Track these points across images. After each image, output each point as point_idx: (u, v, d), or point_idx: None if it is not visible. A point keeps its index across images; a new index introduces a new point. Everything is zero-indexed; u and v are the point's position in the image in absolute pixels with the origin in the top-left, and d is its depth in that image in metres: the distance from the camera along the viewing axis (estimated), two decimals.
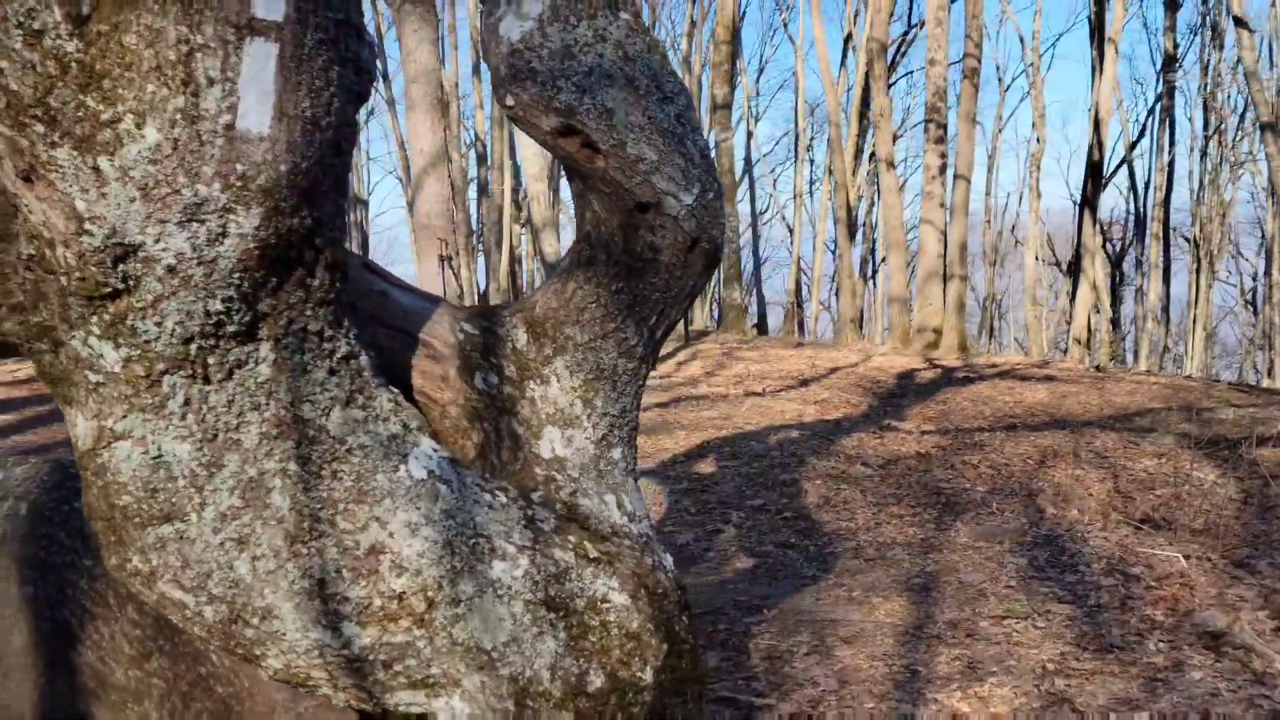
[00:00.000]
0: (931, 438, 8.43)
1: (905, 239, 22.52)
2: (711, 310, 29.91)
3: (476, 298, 30.15)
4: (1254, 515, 5.74)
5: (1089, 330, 24.47)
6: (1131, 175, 35.16)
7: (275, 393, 2.45)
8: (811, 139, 41.24)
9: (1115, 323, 34.38)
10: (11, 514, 3.65)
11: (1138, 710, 3.56)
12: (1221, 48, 34.25)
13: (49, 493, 3.38)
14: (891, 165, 19.74)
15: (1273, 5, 33.98)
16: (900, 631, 4.45)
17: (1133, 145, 35.50)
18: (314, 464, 2.49)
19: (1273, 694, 3.65)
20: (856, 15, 32.37)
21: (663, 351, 15.43)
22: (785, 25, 47.25)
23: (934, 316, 17.19)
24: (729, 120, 20.24)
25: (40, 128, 2.13)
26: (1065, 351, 26.52)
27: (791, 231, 38.34)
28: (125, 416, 2.38)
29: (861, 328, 28.90)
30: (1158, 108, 33.29)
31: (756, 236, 36.67)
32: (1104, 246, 34.61)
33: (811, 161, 42.09)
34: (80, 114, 2.13)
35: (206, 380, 2.37)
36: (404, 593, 2.53)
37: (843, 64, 33.87)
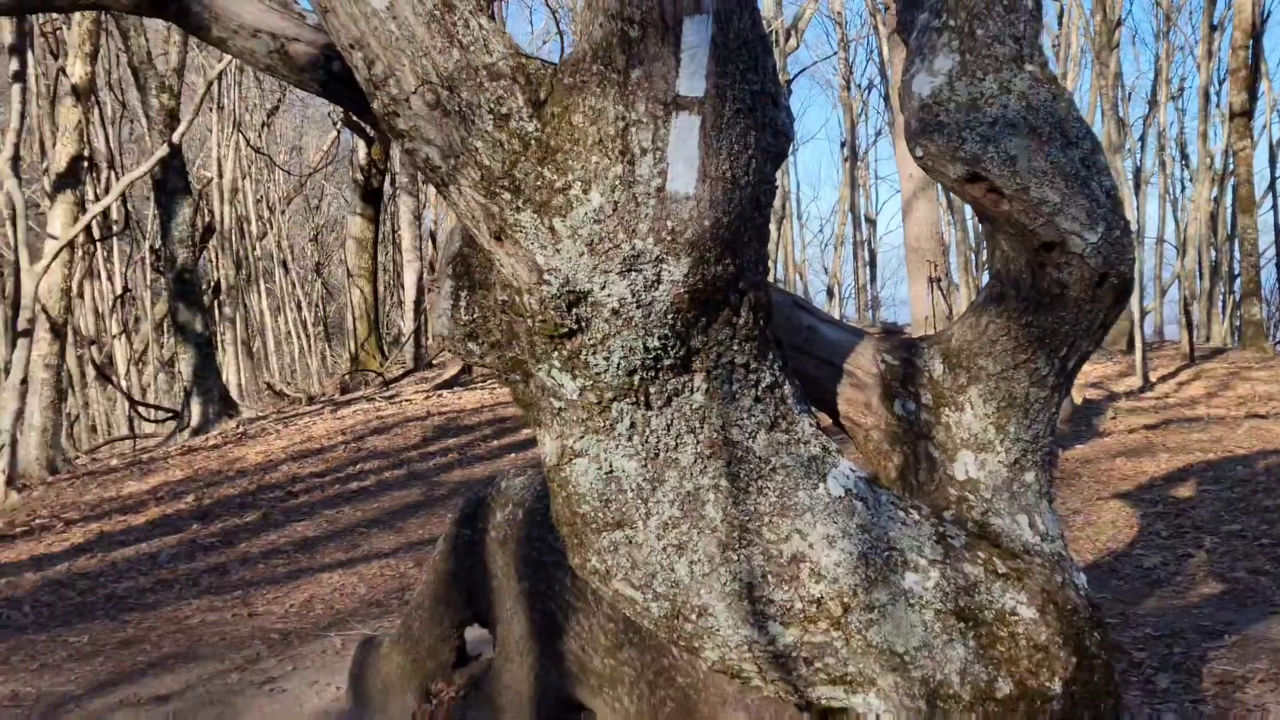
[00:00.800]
0: None
1: None
2: (1232, 327, 28.01)
3: None
4: None
5: None
6: None
7: (708, 418, 2.80)
8: None
9: None
10: (510, 519, 4.28)
11: None
12: None
13: (540, 500, 3.92)
14: None
15: None
16: None
17: None
18: (742, 481, 2.83)
19: None
20: None
21: (1163, 371, 14.82)
22: None
23: None
24: (1248, 128, 19.06)
25: (507, 195, 2.61)
26: None
27: None
28: (582, 437, 2.81)
29: None
30: None
31: None
32: None
33: None
34: (539, 183, 2.59)
35: (648, 407, 2.76)
36: (822, 598, 2.81)
37: None
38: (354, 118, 18.29)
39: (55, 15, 15.87)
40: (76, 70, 14.56)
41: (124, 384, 24.79)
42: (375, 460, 11.93)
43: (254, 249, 33.18)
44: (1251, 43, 19.55)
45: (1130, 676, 4.33)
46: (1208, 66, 24.81)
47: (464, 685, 4.67)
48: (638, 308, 2.64)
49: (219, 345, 26.90)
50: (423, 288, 20.41)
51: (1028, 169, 2.89)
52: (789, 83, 29.93)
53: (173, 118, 16.12)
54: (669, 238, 2.60)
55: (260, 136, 32.74)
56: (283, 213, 37.61)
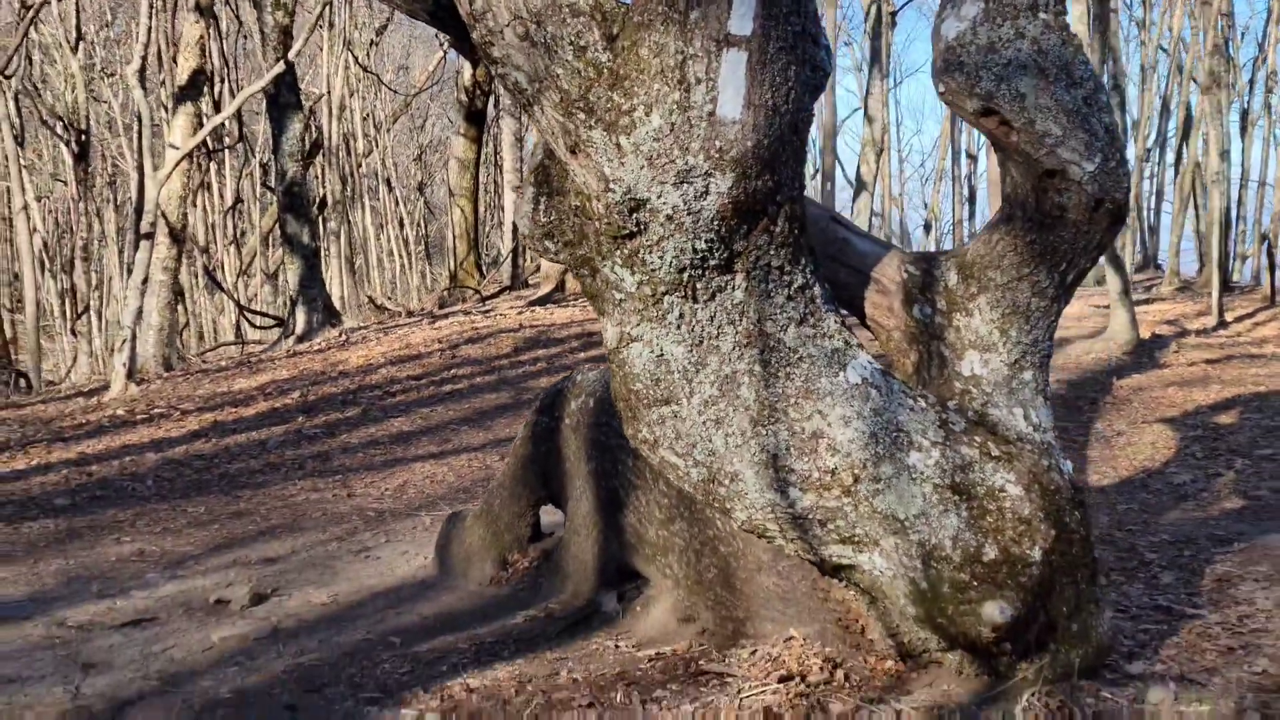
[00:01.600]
0: None
1: None
2: None
3: None
4: None
5: None
6: None
7: (746, 312, 3.30)
8: None
9: None
10: (583, 407, 4.82)
11: None
12: None
13: (609, 390, 4.43)
14: None
15: None
16: None
17: None
18: (773, 367, 3.33)
19: None
20: None
21: (1241, 312, 14.95)
22: None
23: None
24: None
25: (582, 115, 3.12)
26: None
27: None
28: (638, 324, 3.32)
29: None
30: None
31: None
32: None
33: None
34: (609, 105, 3.10)
35: (695, 300, 3.26)
36: (836, 469, 3.30)
37: None
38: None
39: None
40: None
41: (232, 291, 25.75)
42: (468, 366, 12.60)
43: (359, 166, 33.90)
44: None
45: (1138, 573, 4.75)
46: None
47: (537, 556, 5.25)
48: (688, 215, 3.13)
49: (324, 258, 27.78)
50: None
51: (1035, 105, 3.32)
52: (894, 14, 29.81)
53: (286, 35, 16.73)
54: (717, 155, 3.08)
55: (368, 55, 33.36)
56: (388, 131, 38.28)
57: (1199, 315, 13.91)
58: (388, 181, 38.77)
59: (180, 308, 22.82)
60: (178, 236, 15.22)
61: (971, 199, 41.03)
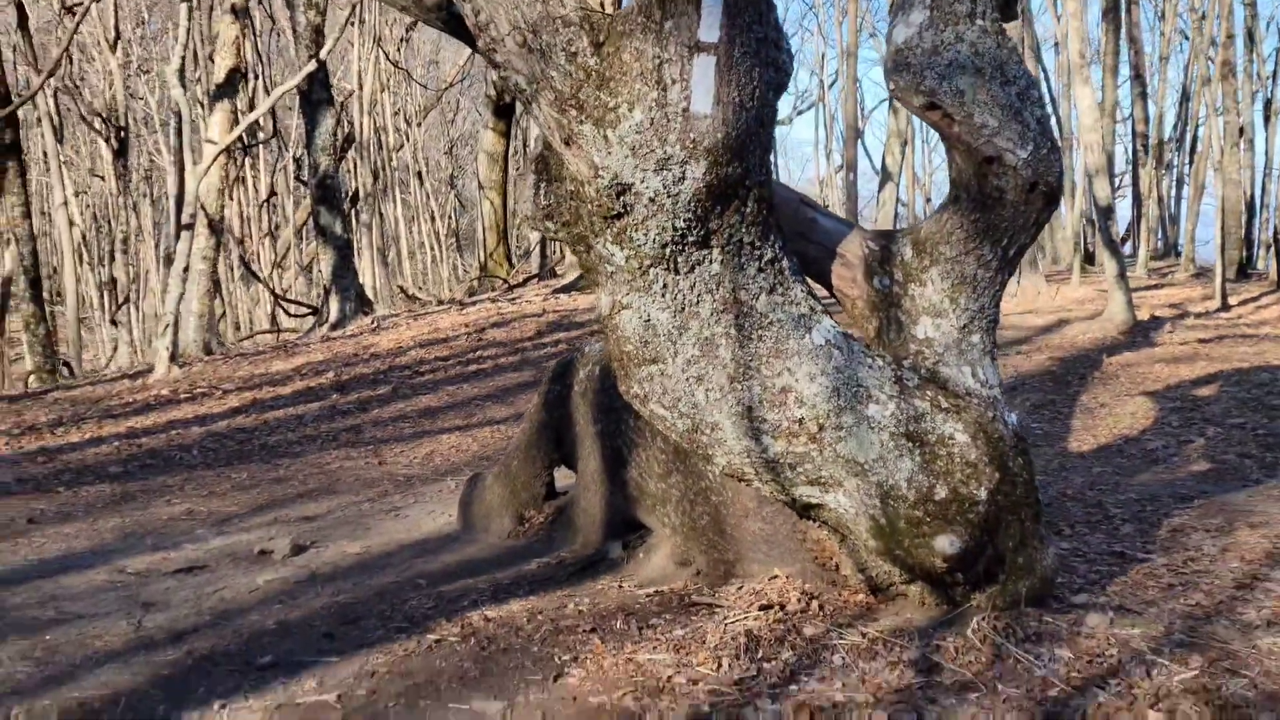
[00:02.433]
0: None
1: None
2: None
3: None
4: None
5: None
6: None
7: (722, 282, 3.78)
8: None
9: None
10: (590, 375, 5.30)
11: None
12: None
13: None
14: None
15: None
16: None
17: None
18: (747, 330, 3.80)
19: None
20: None
21: (1244, 296, 15.30)
22: None
23: None
24: None
25: (574, 112, 3.61)
26: None
27: None
28: (628, 294, 3.81)
29: None
30: None
31: None
32: None
33: None
34: (597, 103, 3.58)
35: (677, 272, 3.74)
36: (803, 419, 3.78)
37: None
38: None
39: None
40: None
41: (268, 281, 26.37)
42: (493, 348, 13.16)
43: (391, 160, 34.44)
44: None
45: (1101, 525, 5.19)
46: None
47: (551, 513, 5.75)
48: (668, 197, 3.61)
49: (356, 250, 28.35)
50: None
51: (973, 100, 3.78)
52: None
53: (318, 33, 17.28)
54: (691, 145, 3.56)
55: (399, 51, 33.91)
56: (419, 125, 38.84)
57: (1205, 299, 14.28)
58: (419, 175, 39.34)
59: (217, 298, 23.46)
60: (216, 228, 15.82)
61: None
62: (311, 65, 15.65)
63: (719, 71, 3.56)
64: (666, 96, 3.55)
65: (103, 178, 32.25)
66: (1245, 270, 21.83)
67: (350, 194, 29.65)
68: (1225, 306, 13.79)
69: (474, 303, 17.70)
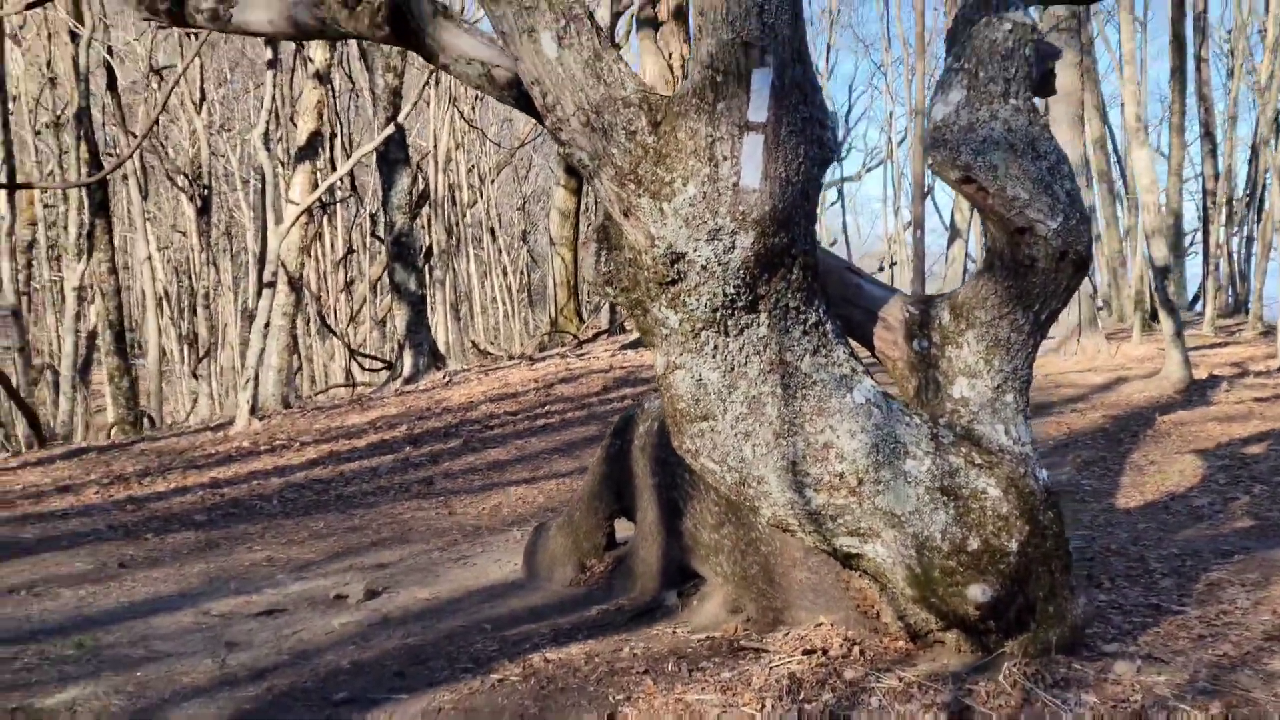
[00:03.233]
0: None
1: None
2: None
3: None
4: None
5: None
6: None
7: (769, 344, 4.05)
8: None
9: None
10: (649, 430, 5.57)
11: None
12: None
13: None
14: None
15: None
16: None
17: None
18: (792, 389, 4.07)
19: None
20: None
21: None
22: None
23: None
24: None
25: (633, 186, 3.91)
26: None
27: None
28: (681, 354, 4.09)
29: None
30: None
31: None
32: None
33: None
34: (653, 178, 3.88)
35: (727, 334, 4.02)
36: (843, 473, 4.02)
37: None
38: None
39: None
40: (318, 56, 16.44)
41: (344, 336, 26.95)
42: (561, 403, 13.49)
43: (464, 216, 35.06)
44: None
45: (1140, 578, 5.35)
46: None
47: (611, 562, 6.01)
48: (719, 265, 3.89)
49: (429, 306, 28.85)
50: None
51: (1005, 174, 4.03)
52: None
53: (396, 95, 17.83)
54: (740, 217, 3.85)
55: (474, 110, 34.61)
56: (492, 182, 39.47)
57: (1268, 357, 14.29)
58: (491, 231, 39.95)
59: (295, 352, 24.04)
60: (295, 285, 16.36)
61: None
62: (389, 130, 16.16)
63: (767, 149, 3.85)
64: (718, 172, 3.84)
65: (185, 233, 33.16)
66: None
67: (425, 250, 30.25)
68: None
69: (544, 358, 18.06)
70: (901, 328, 4.43)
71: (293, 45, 19.72)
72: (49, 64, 22.36)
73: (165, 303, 30.69)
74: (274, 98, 15.10)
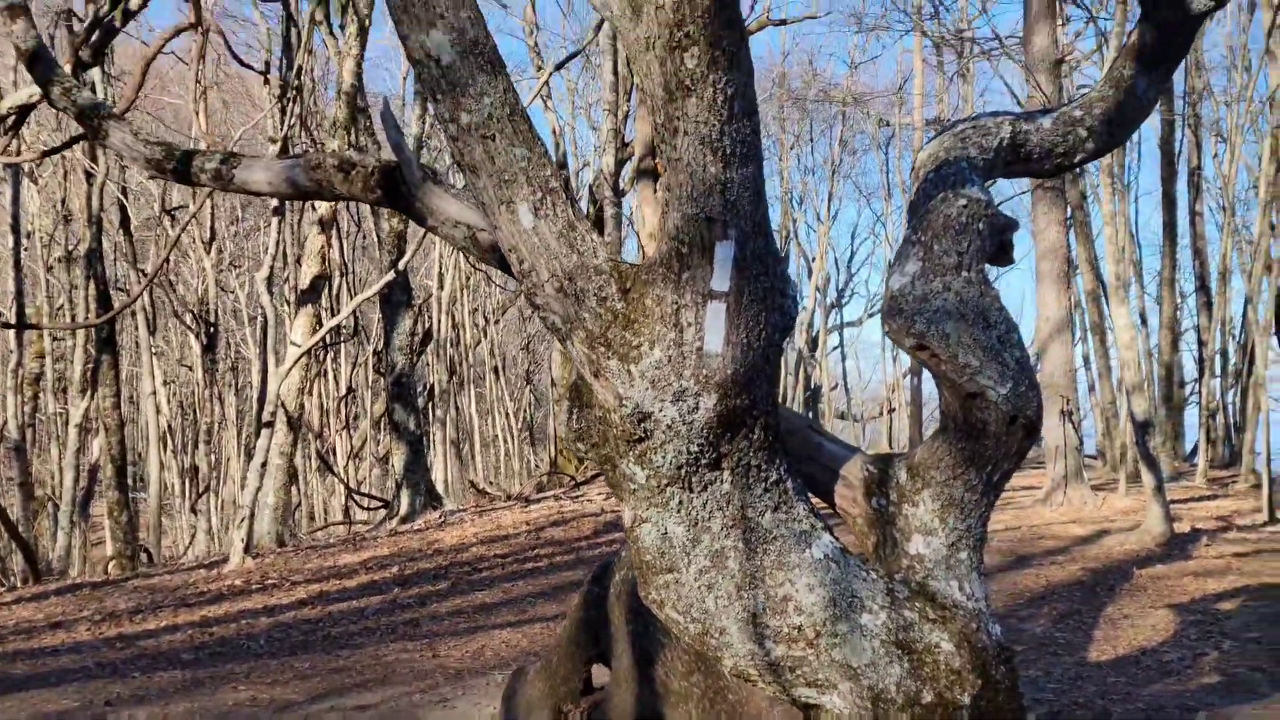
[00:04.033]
0: None
1: None
2: None
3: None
4: None
5: None
6: None
7: (731, 500, 4.24)
8: None
9: None
10: (625, 578, 5.72)
11: None
12: None
13: None
14: None
15: None
16: None
17: None
18: (753, 544, 4.24)
19: None
20: None
21: None
22: None
23: None
24: None
25: (603, 348, 4.14)
26: None
27: None
28: (647, 509, 4.27)
29: None
30: None
31: None
32: None
33: None
34: (622, 342, 4.11)
35: (691, 490, 4.21)
36: (802, 626, 4.18)
37: None
38: None
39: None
40: (322, 205, 16.91)
41: (342, 474, 27.09)
42: (550, 546, 13.60)
43: (468, 355, 35.46)
44: None
45: None
46: None
47: (587, 707, 6.10)
48: (684, 425, 4.10)
49: (430, 444, 29.00)
50: None
51: (957, 342, 4.26)
52: None
53: (400, 239, 18.27)
54: (704, 380, 4.07)
55: None
56: (497, 322, 39.96)
57: (1254, 511, 14.42)
58: (495, 370, 40.31)
59: (293, 488, 24.17)
60: (294, 425, 16.60)
61: None
62: (390, 275, 16.56)
63: (729, 316, 4.08)
64: (683, 337, 4.06)
65: (190, 368, 33.53)
66: None
67: (427, 388, 30.53)
68: (1273, 519, 13.89)
69: (540, 499, 18.21)
70: (861, 485, 4.61)
71: None
72: (64, 201, 22.96)
73: (169, 437, 30.92)
74: (278, 243, 15.52)
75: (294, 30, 17.29)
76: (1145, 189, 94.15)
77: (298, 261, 19.56)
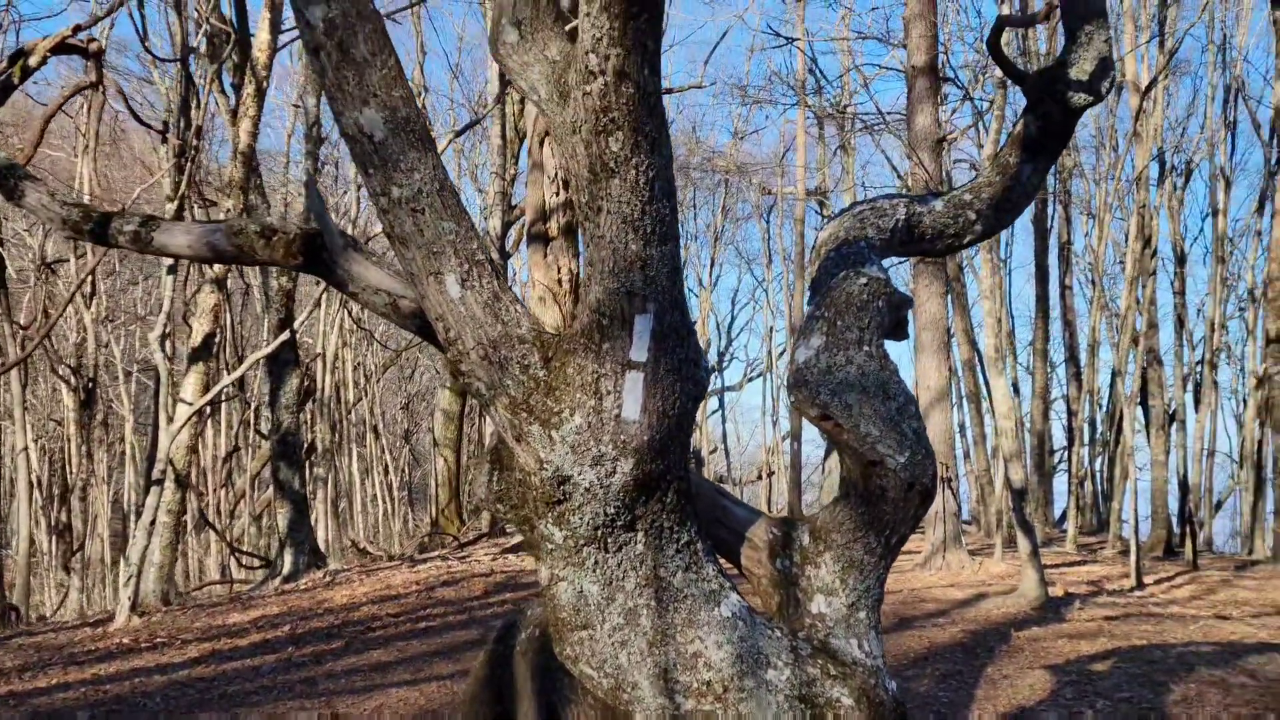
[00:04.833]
0: None
1: None
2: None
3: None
4: None
5: None
6: None
7: (645, 560, 4.44)
8: None
9: None
10: (530, 636, 5.85)
11: None
12: None
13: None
14: None
15: None
16: None
17: None
18: (665, 603, 4.45)
19: None
20: None
21: (1161, 575, 16.05)
22: None
23: None
24: None
25: (525, 414, 4.33)
26: None
27: None
28: (564, 568, 4.46)
29: None
30: None
31: None
32: None
33: None
34: (544, 408, 4.31)
35: (606, 550, 4.41)
36: (711, 681, 4.39)
37: None
38: None
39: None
40: (217, 265, 16.86)
41: (224, 533, 26.66)
42: (442, 606, 13.63)
43: (349, 414, 35.21)
44: None
45: None
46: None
47: None
48: (601, 488, 4.30)
49: (310, 503, 28.71)
50: None
51: (859, 413, 4.54)
52: None
53: (289, 297, 18.27)
54: (622, 445, 4.28)
55: (363, 310, 35.04)
56: (378, 381, 39.76)
57: (1123, 576, 15.01)
58: (375, 429, 40.03)
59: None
60: (182, 482, 16.42)
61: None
62: (285, 335, 16.54)
63: (646, 386, 4.30)
64: (602, 404, 4.28)
65: (60, 423, 32.78)
66: (1173, 549, 22.58)
67: (307, 447, 30.22)
68: (1140, 585, 14.50)
69: (425, 559, 18.17)
70: (766, 547, 4.86)
71: None
72: None
73: (37, 492, 30.12)
74: (172, 301, 15.44)
75: (192, 90, 17.27)
76: (1019, 261, 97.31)
77: (186, 320, 19.38)
